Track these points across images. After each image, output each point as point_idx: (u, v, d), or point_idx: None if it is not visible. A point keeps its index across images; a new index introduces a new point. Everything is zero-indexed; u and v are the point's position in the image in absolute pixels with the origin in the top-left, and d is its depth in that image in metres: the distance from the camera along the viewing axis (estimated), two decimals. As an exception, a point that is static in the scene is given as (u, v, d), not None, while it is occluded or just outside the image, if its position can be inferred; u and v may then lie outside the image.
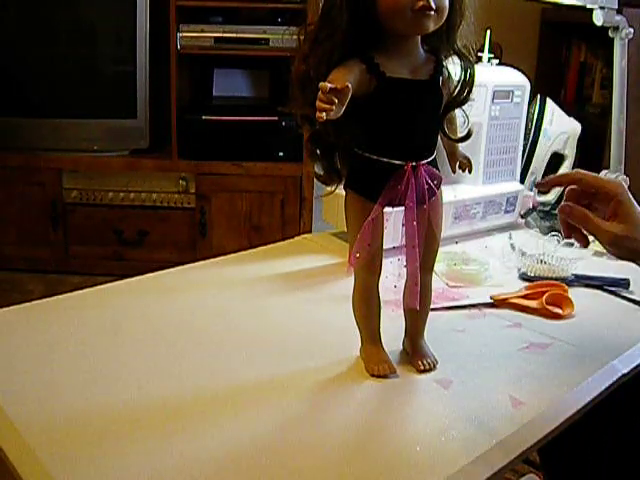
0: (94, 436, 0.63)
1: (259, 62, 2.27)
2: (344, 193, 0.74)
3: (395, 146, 0.69)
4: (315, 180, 0.78)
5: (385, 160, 0.69)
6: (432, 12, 0.64)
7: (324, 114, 0.60)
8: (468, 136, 0.76)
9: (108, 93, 2.22)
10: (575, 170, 0.77)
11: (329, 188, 0.77)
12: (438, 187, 0.73)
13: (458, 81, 0.72)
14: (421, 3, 0.63)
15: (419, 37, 0.69)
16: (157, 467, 0.60)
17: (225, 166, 2.18)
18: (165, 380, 0.74)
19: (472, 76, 0.71)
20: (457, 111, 0.75)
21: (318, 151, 0.74)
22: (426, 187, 0.70)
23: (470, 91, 0.72)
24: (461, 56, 0.71)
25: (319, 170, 0.76)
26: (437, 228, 0.74)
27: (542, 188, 0.73)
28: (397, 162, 0.69)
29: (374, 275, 0.74)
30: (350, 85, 0.61)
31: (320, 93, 0.60)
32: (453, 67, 0.72)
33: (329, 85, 0.60)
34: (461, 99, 0.72)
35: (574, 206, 0.74)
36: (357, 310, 0.77)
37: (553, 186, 0.78)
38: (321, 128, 0.70)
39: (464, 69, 0.71)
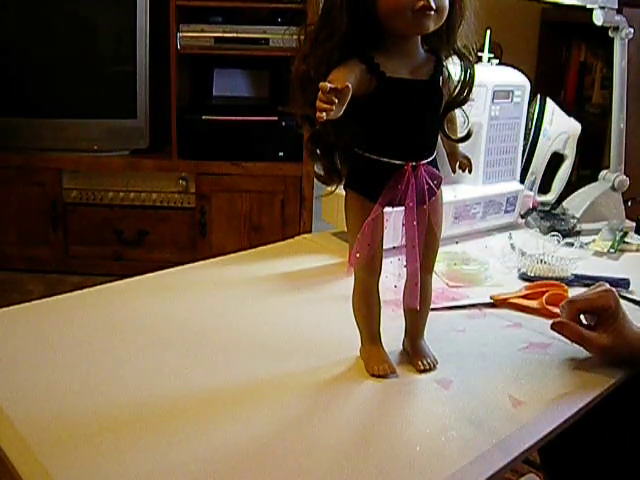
0: (94, 436, 0.63)
1: (259, 62, 2.27)
2: (344, 193, 0.74)
3: (395, 146, 0.69)
4: (315, 180, 0.78)
5: (385, 160, 0.69)
6: (432, 12, 0.64)
7: (324, 114, 0.60)
8: (468, 136, 0.76)
9: (108, 93, 2.22)
10: (568, 299, 0.82)
11: (329, 188, 0.77)
12: (438, 187, 0.73)
13: (458, 81, 0.72)
14: (421, 3, 0.63)
15: (419, 37, 0.69)
16: (157, 467, 0.60)
17: (225, 166, 2.18)
18: (165, 380, 0.74)
19: (472, 76, 0.71)
20: (457, 111, 0.75)
21: (318, 151, 0.74)
22: (426, 187, 0.70)
23: (470, 91, 0.72)
24: (461, 56, 0.71)
25: (319, 170, 0.76)
26: (437, 228, 0.74)
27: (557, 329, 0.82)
28: (397, 162, 0.69)
29: (374, 275, 0.74)
30: (350, 85, 0.61)
31: (320, 93, 0.60)
32: (453, 67, 0.72)
33: (329, 85, 0.60)
34: (461, 99, 0.72)
35: (567, 323, 0.80)
36: (357, 310, 0.77)
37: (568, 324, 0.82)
38: (321, 128, 0.70)
39: (464, 69, 0.71)
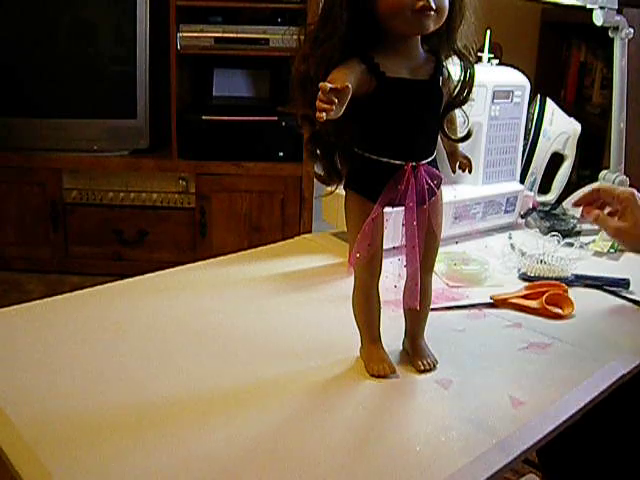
0: (94, 436, 0.63)
1: (259, 62, 2.27)
2: (344, 193, 0.74)
3: (395, 146, 0.69)
4: (315, 180, 0.78)
5: (385, 160, 0.69)
6: (432, 12, 0.64)
7: (324, 114, 0.60)
8: (468, 136, 0.76)
9: (108, 93, 2.22)
10: (595, 185, 0.97)
11: (329, 188, 0.77)
12: (438, 187, 0.73)
13: (458, 81, 0.72)
14: (421, 3, 0.63)
15: (419, 37, 0.69)
16: (157, 467, 0.60)
17: (225, 166, 2.18)
18: (165, 380, 0.74)
19: (472, 76, 0.71)
20: (457, 111, 0.75)
21: (318, 151, 0.74)
22: (426, 187, 0.70)
23: (470, 91, 0.72)
24: (461, 56, 0.71)
25: (319, 170, 0.75)
26: (437, 228, 0.74)
27: (576, 207, 1.01)
28: (397, 162, 0.69)
29: (374, 275, 0.74)
30: (350, 85, 0.61)
31: (320, 93, 0.60)
32: (453, 67, 0.72)
33: (329, 85, 0.60)
34: (461, 99, 0.72)
35: (593, 210, 0.97)
36: (357, 310, 0.77)
37: (584, 204, 0.99)
38: (321, 128, 0.69)
39: (464, 69, 0.71)
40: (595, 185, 0.99)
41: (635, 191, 0.92)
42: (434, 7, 0.64)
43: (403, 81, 0.68)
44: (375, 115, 0.69)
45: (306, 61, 0.68)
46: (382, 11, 0.65)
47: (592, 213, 0.96)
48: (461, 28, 0.69)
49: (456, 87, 0.72)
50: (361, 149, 0.70)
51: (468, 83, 0.71)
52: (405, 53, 0.69)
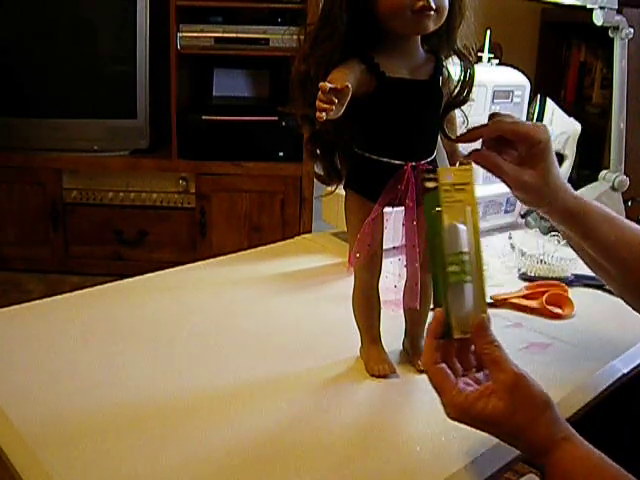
0: (94, 436, 0.63)
1: (259, 62, 2.27)
2: (344, 193, 0.74)
3: (395, 146, 0.69)
4: (315, 180, 0.78)
5: (385, 160, 0.69)
6: (432, 12, 0.64)
7: (324, 114, 0.60)
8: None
9: (108, 93, 2.22)
10: (495, 119, 0.75)
11: (329, 188, 0.77)
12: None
13: (458, 81, 0.72)
14: (421, 3, 0.63)
15: (419, 37, 0.69)
16: (157, 467, 0.60)
17: (225, 166, 2.18)
18: (165, 380, 0.74)
19: (472, 76, 0.71)
20: (457, 111, 0.75)
21: (318, 151, 0.74)
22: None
23: (470, 91, 0.72)
24: (461, 56, 0.71)
25: (319, 170, 0.75)
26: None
27: (464, 141, 0.73)
28: (397, 162, 0.69)
29: (374, 275, 0.74)
30: (350, 85, 0.61)
31: (320, 93, 0.60)
32: (452, 67, 0.72)
33: (329, 85, 0.60)
34: (461, 99, 0.72)
35: (483, 152, 0.74)
36: (357, 310, 0.77)
37: (475, 138, 0.74)
38: (321, 128, 0.69)
39: (464, 69, 0.71)
40: (497, 118, 0.74)
41: (547, 128, 0.73)
42: (434, 7, 0.64)
43: (403, 81, 0.68)
44: (375, 115, 0.69)
45: (306, 61, 0.68)
46: (382, 11, 0.65)
47: (484, 157, 0.73)
48: (461, 28, 0.69)
49: (456, 87, 0.72)
50: (361, 149, 0.70)
51: (468, 83, 0.71)
52: (405, 53, 0.69)
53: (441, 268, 0.62)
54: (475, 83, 0.72)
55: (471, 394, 0.58)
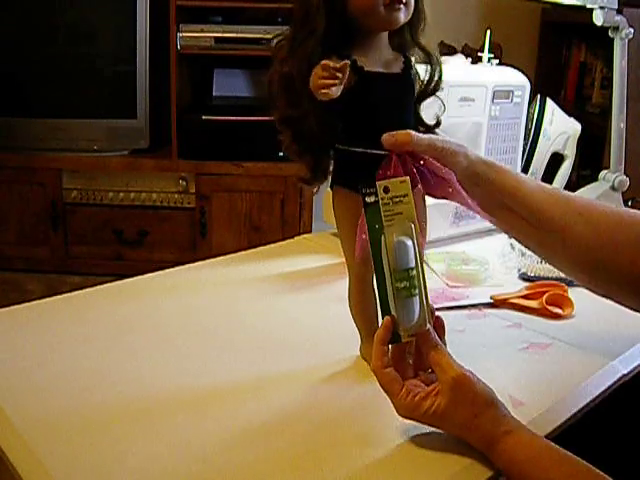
0: (94, 436, 0.64)
1: (259, 62, 2.25)
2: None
3: (379, 137, 0.69)
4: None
5: (371, 152, 0.69)
6: (402, 5, 0.68)
7: (330, 90, 0.63)
8: (437, 124, 0.77)
9: (108, 93, 2.22)
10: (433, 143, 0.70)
11: (314, 189, 0.77)
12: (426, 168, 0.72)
13: (428, 72, 0.74)
14: None
15: (387, 34, 0.72)
16: (157, 467, 0.60)
17: (225, 166, 2.18)
18: (165, 379, 0.74)
19: (440, 68, 0.74)
20: (432, 99, 0.76)
21: (303, 150, 0.74)
22: (414, 171, 0.70)
23: (439, 81, 0.74)
24: (425, 50, 0.74)
25: (303, 171, 0.76)
26: (422, 216, 0.73)
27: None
28: (383, 152, 0.69)
29: (369, 269, 0.74)
30: (348, 62, 0.65)
31: (321, 71, 0.64)
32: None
33: (331, 63, 0.63)
34: (431, 88, 0.75)
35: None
36: (354, 306, 0.77)
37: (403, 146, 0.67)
38: (304, 126, 0.71)
39: (430, 62, 0.74)
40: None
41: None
42: (404, 0, 0.68)
43: (381, 74, 0.70)
44: (357, 108, 0.70)
45: (286, 63, 0.71)
46: (355, 9, 0.68)
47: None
48: (423, 23, 0.73)
49: (425, 78, 0.74)
50: (345, 144, 0.71)
51: (435, 74, 0.74)
52: (377, 49, 0.71)
53: (389, 282, 0.65)
54: (443, 71, 0.74)
55: (418, 394, 0.62)
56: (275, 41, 0.74)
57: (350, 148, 0.71)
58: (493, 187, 0.74)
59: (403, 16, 0.69)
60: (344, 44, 0.70)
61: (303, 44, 0.69)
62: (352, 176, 0.71)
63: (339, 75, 0.64)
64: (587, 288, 0.80)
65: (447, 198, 0.73)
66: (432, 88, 0.75)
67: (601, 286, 0.79)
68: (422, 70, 0.74)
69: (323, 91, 0.64)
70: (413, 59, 0.74)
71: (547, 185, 0.78)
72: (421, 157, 0.69)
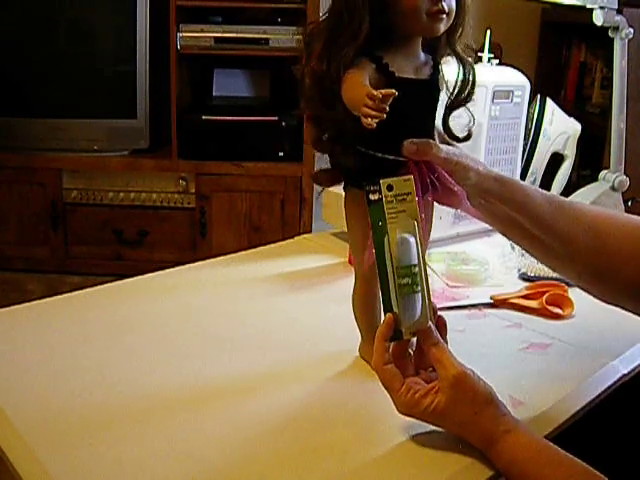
0: (94, 436, 0.64)
1: (259, 62, 2.26)
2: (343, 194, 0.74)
3: (400, 143, 0.69)
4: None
5: (391, 158, 0.69)
6: (444, 16, 0.66)
7: (373, 122, 0.61)
8: (469, 137, 0.76)
9: (108, 93, 2.22)
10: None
11: (320, 189, 0.77)
12: (438, 180, 0.72)
13: (459, 80, 0.72)
14: (436, 8, 0.65)
15: (421, 38, 0.70)
16: (157, 467, 0.60)
17: (225, 166, 2.18)
18: (165, 379, 0.74)
19: (473, 76, 0.72)
20: (461, 111, 0.75)
21: (339, 150, 0.73)
22: (428, 181, 0.70)
23: (472, 90, 0.73)
24: (460, 57, 0.72)
25: (325, 171, 0.75)
26: (429, 222, 0.74)
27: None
28: (401, 159, 0.69)
29: (375, 272, 0.74)
30: (395, 92, 0.62)
31: (368, 100, 0.61)
32: (447, 67, 0.73)
33: (378, 94, 0.61)
34: (462, 98, 0.73)
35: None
36: (357, 306, 0.77)
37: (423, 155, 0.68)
38: (338, 126, 0.69)
39: (463, 69, 0.72)
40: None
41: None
42: (447, 11, 0.66)
43: (409, 81, 0.69)
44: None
45: (322, 60, 0.68)
46: (398, 13, 0.66)
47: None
48: (461, 30, 0.70)
49: (456, 87, 0.72)
50: (365, 147, 0.71)
51: (469, 82, 0.72)
52: (409, 53, 0.70)
53: (392, 278, 0.65)
54: (477, 82, 0.73)
55: (418, 391, 0.62)
56: (308, 29, 0.70)
57: (369, 152, 0.70)
58: (501, 203, 0.74)
59: (443, 27, 0.67)
60: (378, 45, 0.68)
61: (344, 45, 0.66)
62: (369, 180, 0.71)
63: (384, 107, 0.61)
64: (594, 296, 0.80)
65: (452, 207, 0.74)
66: (463, 98, 0.73)
67: (608, 295, 0.79)
68: (447, 72, 0.72)
69: (367, 121, 0.61)
70: (441, 64, 0.72)
71: (555, 197, 0.78)
72: (435, 169, 0.69)
